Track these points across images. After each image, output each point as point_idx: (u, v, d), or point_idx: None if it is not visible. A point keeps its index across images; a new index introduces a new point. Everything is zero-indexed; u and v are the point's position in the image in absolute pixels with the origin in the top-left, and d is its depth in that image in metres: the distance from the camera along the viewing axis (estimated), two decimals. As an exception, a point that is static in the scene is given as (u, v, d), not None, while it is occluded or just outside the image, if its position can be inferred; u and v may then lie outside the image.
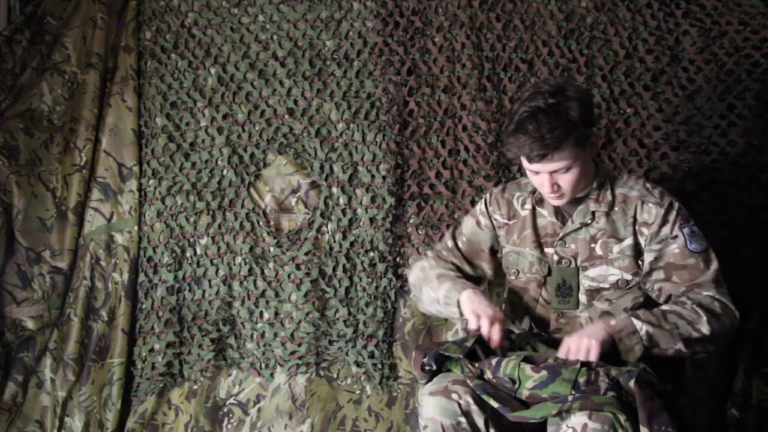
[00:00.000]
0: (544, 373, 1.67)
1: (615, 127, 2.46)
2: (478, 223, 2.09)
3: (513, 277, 2.02)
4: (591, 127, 1.84)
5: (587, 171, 1.87)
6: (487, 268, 2.09)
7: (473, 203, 2.46)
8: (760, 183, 2.35)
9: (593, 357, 1.69)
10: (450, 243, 2.12)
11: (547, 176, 1.82)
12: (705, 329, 1.74)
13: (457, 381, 1.77)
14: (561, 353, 1.74)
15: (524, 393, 1.68)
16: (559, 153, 1.76)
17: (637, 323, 1.74)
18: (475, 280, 2.07)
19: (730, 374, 2.34)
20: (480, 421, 1.73)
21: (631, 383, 1.60)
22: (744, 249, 2.34)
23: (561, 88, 1.80)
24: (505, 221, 2.04)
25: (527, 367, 1.70)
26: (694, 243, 1.84)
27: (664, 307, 1.78)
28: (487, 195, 2.10)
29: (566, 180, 1.82)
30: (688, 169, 2.41)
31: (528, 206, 2.00)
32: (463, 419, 1.72)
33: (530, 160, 1.80)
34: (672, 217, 1.86)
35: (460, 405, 1.72)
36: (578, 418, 1.59)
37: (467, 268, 2.09)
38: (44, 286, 2.53)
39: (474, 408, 1.73)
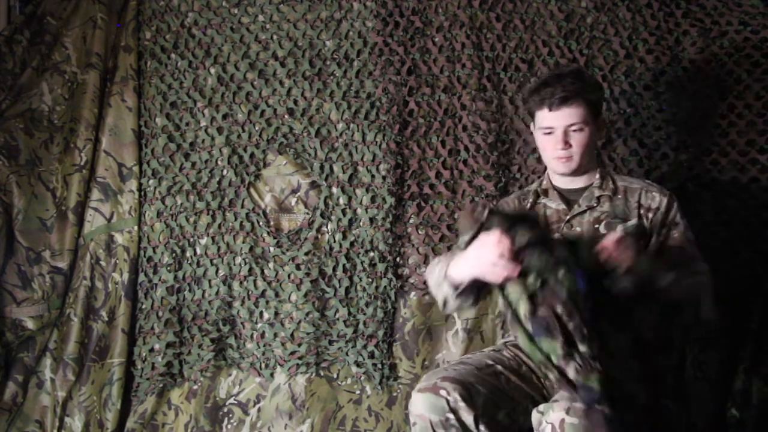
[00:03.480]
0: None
1: (615, 127, 2.46)
2: None
3: None
4: (602, 108, 2.02)
5: (593, 147, 2.01)
6: None
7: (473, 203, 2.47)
8: (760, 183, 2.35)
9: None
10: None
11: (561, 133, 1.93)
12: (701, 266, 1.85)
13: (446, 378, 1.77)
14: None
15: None
16: (577, 104, 1.91)
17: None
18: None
19: (730, 374, 2.34)
20: (469, 418, 1.73)
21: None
22: (744, 249, 2.34)
23: (580, 69, 2.11)
24: None
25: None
26: (690, 232, 1.96)
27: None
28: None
29: (578, 140, 1.94)
30: (688, 169, 2.41)
31: (531, 200, 2.07)
32: (451, 416, 1.73)
33: (551, 107, 1.92)
34: (675, 206, 1.97)
35: (448, 402, 1.73)
36: (556, 414, 1.60)
37: None
38: (44, 286, 2.52)
39: (462, 405, 1.73)
